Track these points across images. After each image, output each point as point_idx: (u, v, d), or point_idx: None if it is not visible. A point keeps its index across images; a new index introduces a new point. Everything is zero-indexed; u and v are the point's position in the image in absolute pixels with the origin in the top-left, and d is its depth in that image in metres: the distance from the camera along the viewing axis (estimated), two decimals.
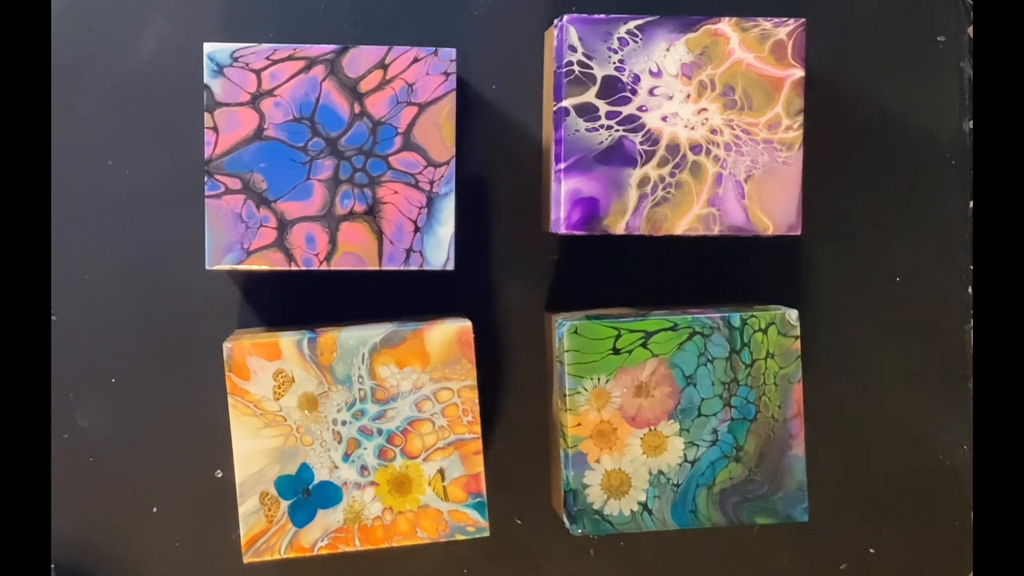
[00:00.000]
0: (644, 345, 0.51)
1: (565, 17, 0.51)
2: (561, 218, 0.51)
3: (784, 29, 0.51)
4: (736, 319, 0.51)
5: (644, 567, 0.59)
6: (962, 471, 0.59)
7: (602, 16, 0.51)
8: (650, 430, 0.51)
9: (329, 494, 0.50)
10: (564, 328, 0.51)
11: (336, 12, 0.57)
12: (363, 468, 0.50)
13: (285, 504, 0.49)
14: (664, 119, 0.51)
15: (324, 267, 0.50)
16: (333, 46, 0.50)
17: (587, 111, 0.51)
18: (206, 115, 0.50)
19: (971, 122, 0.58)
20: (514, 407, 0.58)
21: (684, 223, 0.51)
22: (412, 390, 0.50)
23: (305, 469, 0.49)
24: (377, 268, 0.50)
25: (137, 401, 0.57)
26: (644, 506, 0.51)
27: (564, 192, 0.51)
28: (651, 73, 0.51)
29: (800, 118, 0.51)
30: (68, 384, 0.57)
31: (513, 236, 0.57)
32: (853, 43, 0.58)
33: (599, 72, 0.51)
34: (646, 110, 0.51)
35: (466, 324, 0.50)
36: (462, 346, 0.50)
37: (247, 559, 0.49)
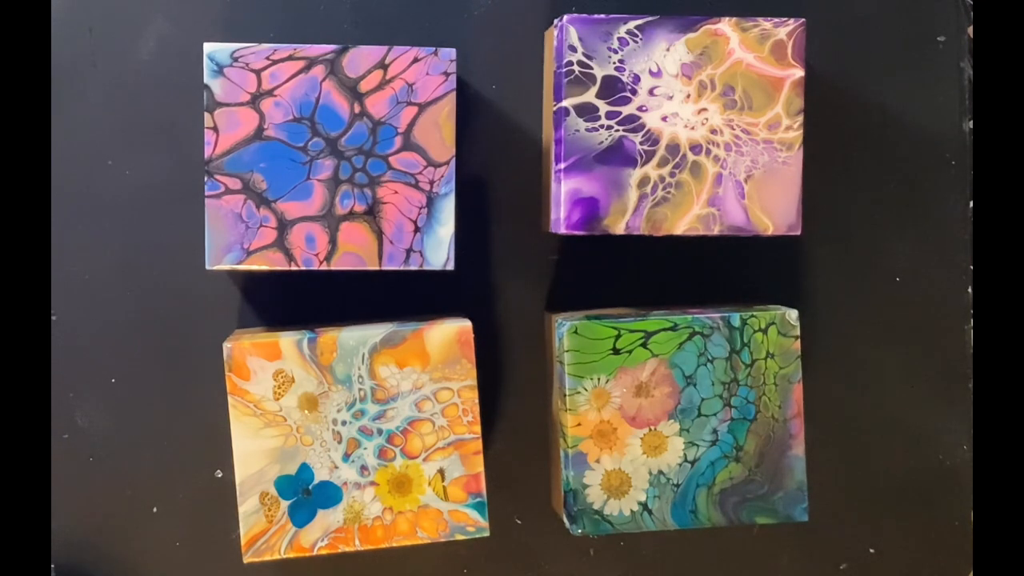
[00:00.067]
0: (644, 345, 0.51)
1: (565, 17, 0.51)
2: (561, 218, 0.51)
3: (784, 29, 0.51)
4: (736, 319, 0.51)
5: (644, 567, 0.59)
6: (962, 471, 0.59)
7: (602, 16, 0.51)
8: (650, 430, 0.51)
9: (329, 494, 0.50)
10: (564, 328, 0.51)
11: (336, 12, 0.57)
12: (363, 468, 0.50)
13: (285, 504, 0.49)
14: (664, 119, 0.51)
15: (324, 267, 0.50)
16: (333, 46, 0.50)
17: (587, 111, 0.51)
18: (206, 115, 0.50)
19: (971, 122, 0.58)
20: (514, 407, 0.58)
21: (684, 223, 0.51)
22: (412, 390, 0.50)
23: (305, 469, 0.49)
24: (377, 268, 0.50)
25: (137, 401, 0.57)
26: (644, 506, 0.51)
27: (564, 192, 0.51)
28: (651, 73, 0.51)
29: (800, 118, 0.51)
30: (68, 384, 0.57)
31: (513, 236, 0.57)
32: (853, 43, 0.58)
33: (599, 72, 0.51)
34: (646, 110, 0.51)
35: (466, 324, 0.50)
36: (462, 346, 0.50)
37: (247, 559, 0.49)
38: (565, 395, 0.51)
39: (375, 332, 0.50)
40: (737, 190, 0.51)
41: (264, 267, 0.50)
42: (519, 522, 0.58)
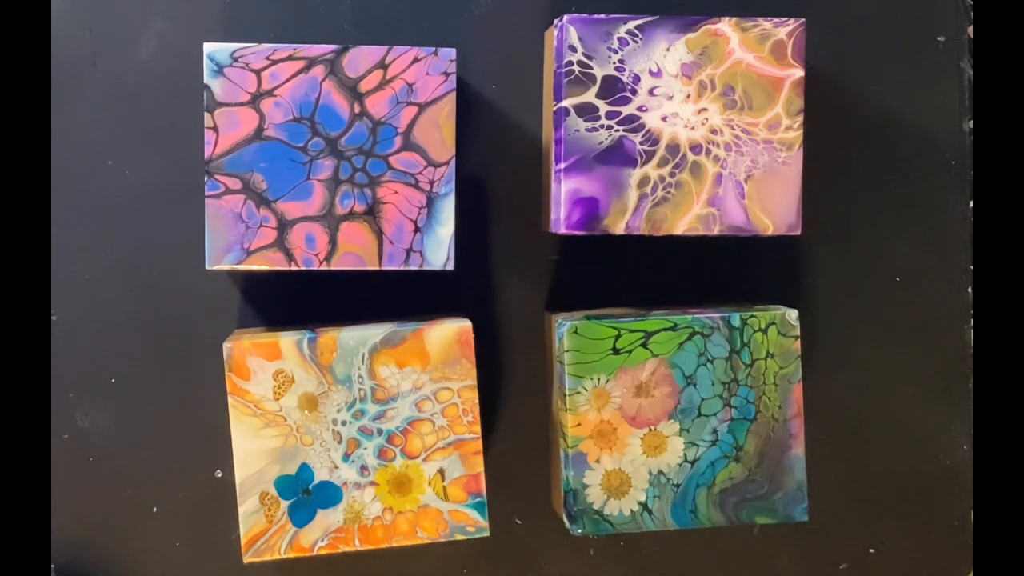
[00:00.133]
0: (644, 345, 0.51)
1: (565, 17, 0.51)
2: (561, 218, 0.51)
3: (784, 29, 0.51)
4: (736, 319, 0.51)
5: (644, 567, 0.59)
6: (962, 471, 0.59)
7: (602, 16, 0.51)
8: (650, 430, 0.51)
9: (329, 494, 0.50)
10: (564, 328, 0.51)
11: (336, 12, 0.57)
12: (363, 468, 0.50)
13: (285, 504, 0.49)
14: (664, 119, 0.51)
15: (324, 267, 0.50)
16: (333, 46, 0.50)
17: (587, 111, 0.51)
18: (206, 115, 0.50)
19: (971, 122, 0.58)
20: (514, 407, 0.58)
21: (684, 223, 0.51)
22: (412, 390, 0.50)
23: (305, 469, 0.49)
24: (377, 268, 0.50)
25: (137, 401, 0.57)
26: (644, 506, 0.51)
27: (564, 192, 0.51)
28: (651, 73, 0.51)
29: (800, 118, 0.51)
30: (68, 384, 0.57)
31: (513, 236, 0.57)
32: (853, 43, 0.58)
33: (599, 72, 0.51)
34: (646, 110, 0.51)
35: (466, 324, 0.50)
36: (462, 346, 0.50)
37: (247, 559, 0.49)
38: (565, 395, 0.51)
39: (375, 332, 0.50)
40: (737, 190, 0.51)
41: (264, 267, 0.50)
42: (519, 522, 0.58)
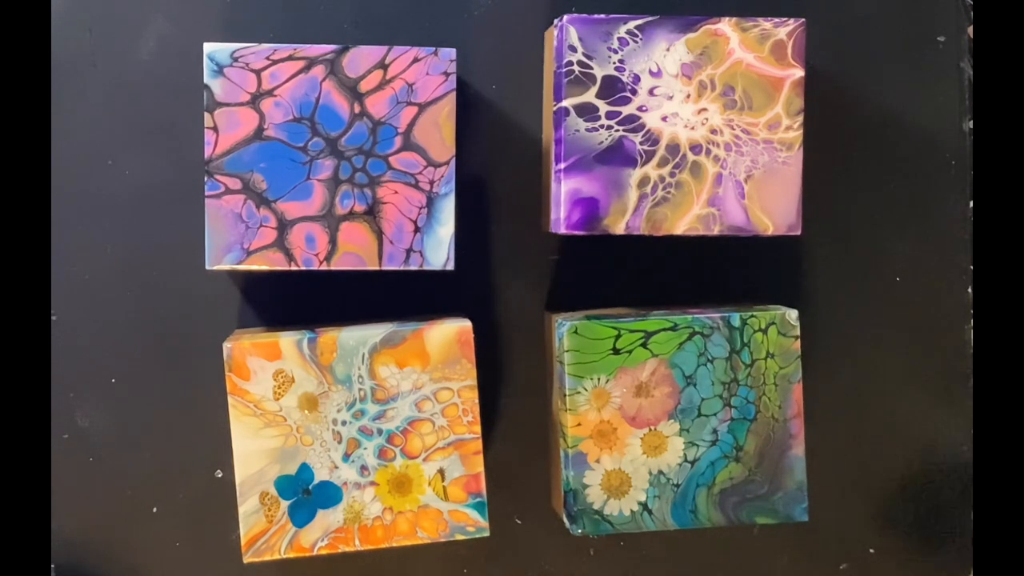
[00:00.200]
0: (644, 345, 0.51)
1: (565, 17, 0.51)
2: (561, 218, 0.51)
3: (784, 29, 0.51)
4: (736, 319, 0.51)
5: (644, 567, 0.59)
6: (962, 471, 0.59)
7: (602, 16, 0.51)
8: (650, 430, 0.51)
9: (329, 494, 0.50)
10: (564, 328, 0.51)
11: (336, 12, 0.57)
12: (363, 468, 0.50)
13: (285, 504, 0.49)
14: (664, 119, 0.51)
15: (324, 267, 0.50)
16: (333, 46, 0.50)
17: (587, 111, 0.51)
18: (206, 115, 0.50)
19: (971, 122, 0.58)
20: (514, 407, 0.58)
21: (684, 223, 0.51)
22: (412, 390, 0.50)
23: (305, 469, 0.49)
24: (377, 268, 0.50)
25: (137, 401, 0.57)
26: (644, 506, 0.51)
27: (564, 192, 0.51)
28: (651, 73, 0.51)
29: (800, 118, 0.51)
30: (68, 384, 0.57)
31: (513, 236, 0.57)
32: (853, 43, 0.58)
33: (599, 72, 0.51)
34: (646, 110, 0.51)
35: (466, 324, 0.50)
36: (462, 346, 0.50)
37: (247, 559, 0.49)
38: (565, 395, 0.51)
39: (375, 332, 0.50)
40: (737, 190, 0.51)
41: (264, 267, 0.50)
42: (519, 522, 0.58)
